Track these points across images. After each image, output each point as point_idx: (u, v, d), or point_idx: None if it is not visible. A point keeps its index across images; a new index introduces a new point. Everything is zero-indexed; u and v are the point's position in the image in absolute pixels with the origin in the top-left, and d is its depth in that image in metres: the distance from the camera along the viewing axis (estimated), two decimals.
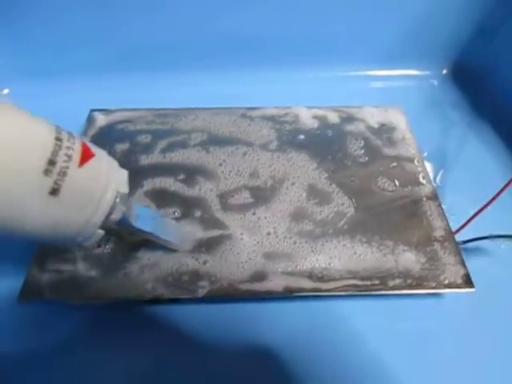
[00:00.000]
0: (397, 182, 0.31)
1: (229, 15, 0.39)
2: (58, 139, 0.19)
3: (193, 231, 0.28)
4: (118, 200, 0.21)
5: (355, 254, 0.27)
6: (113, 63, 0.39)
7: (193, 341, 0.26)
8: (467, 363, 0.26)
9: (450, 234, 0.28)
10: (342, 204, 0.30)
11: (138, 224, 0.24)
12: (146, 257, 0.26)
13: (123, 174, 0.23)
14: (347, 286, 0.26)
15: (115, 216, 0.22)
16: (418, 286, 0.26)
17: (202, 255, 0.27)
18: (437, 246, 0.28)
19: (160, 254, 0.27)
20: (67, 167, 0.18)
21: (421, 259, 0.27)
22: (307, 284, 0.26)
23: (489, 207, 0.27)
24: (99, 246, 0.27)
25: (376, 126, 0.35)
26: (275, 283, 0.26)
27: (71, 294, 0.25)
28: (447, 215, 0.29)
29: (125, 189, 0.22)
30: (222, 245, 0.27)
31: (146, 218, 0.25)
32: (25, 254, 0.27)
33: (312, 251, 0.27)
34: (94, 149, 0.21)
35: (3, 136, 0.17)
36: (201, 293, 0.25)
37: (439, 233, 0.28)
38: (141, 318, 0.27)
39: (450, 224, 0.29)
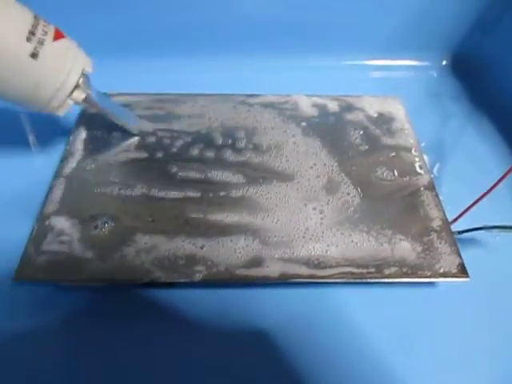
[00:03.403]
0: (395, 172, 0.31)
1: (228, 2, 0.39)
2: (36, 18, 0.24)
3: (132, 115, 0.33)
4: (84, 75, 0.27)
5: (352, 242, 0.27)
6: (111, 48, 0.39)
7: (188, 325, 0.26)
8: (460, 351, 0.26)
9: (447, 224, 0.28)
10: (348, 193, 0.30)
11: (101, 102, 0.29)
12: (142, 240, 0.26)
13: (89, 59, 0.28)
14: (343, 273, 0.26)
15: (83, 90, 0.27)
16: (414, 274, 0.26)
17: (199, 239, 0.27)
18: (433, 235, 0.28)
19: (157, 237, 0.27)
20: (44, 39, 0.24)
21: (417, 248, 0.27)
22: (304, 271, 0.26)
23: (485, 198, 0.27)
24: (96, 227, 0.27)
25: (375, 115, 0.35)
26: (272, 269, 0.26)
27: (67, 276, 0.25)
28: (444, 205, 0.29)
29: (90, 69, 0.27)
30: (220, 229, 0.27)
31: (106, 99, 0.30)
32: (21, 234, 0.27)
33: (310, 239, 0.27)
34: (66, 35, 0.26)
35: None
36: (197, 277, 0.25)
37: (436, 223, 0.28)
38: (136, 301, 0.27)
39: (447, 214, 0.29)
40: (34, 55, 0.24)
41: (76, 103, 0.28)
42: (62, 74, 0.26)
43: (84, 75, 0.27)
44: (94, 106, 0.29)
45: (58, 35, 0.25)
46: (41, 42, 0.24)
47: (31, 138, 0.35)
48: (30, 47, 0.24)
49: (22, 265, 0.25)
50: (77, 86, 0.27)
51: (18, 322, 0.26)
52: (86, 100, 0.28)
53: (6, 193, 0.30)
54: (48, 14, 0.26)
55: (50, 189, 0.29)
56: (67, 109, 0.28)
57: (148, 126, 0.33)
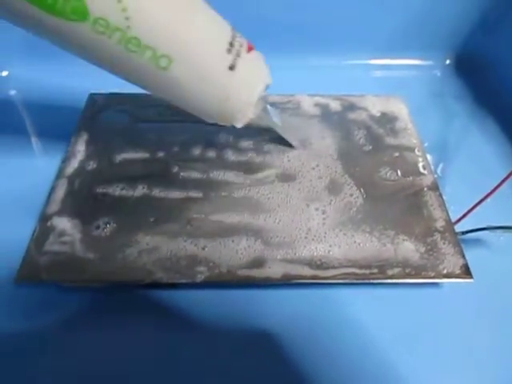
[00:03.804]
0: (399, 172, 0.31)
1: (230, 2, 0.38)
2: (233, 30, 0.24)
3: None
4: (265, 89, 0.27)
5: (355, 242, 0.27)
6: None
7: (190, 326, 0.26)
8: (464, 352, 0.26)
9: (450, 224, 0.28)
10: (351, 195, 0.30)
11: (271, 117, 0.29)
12: (144, 241, 0.26)
13: (269, 71, 0.27)
14: (346, 274, 0.26)
15: (262, 102, 0.27)
16: (417, 275, 0.26)
17: (201, 240, 0.27)
18: (437, 236, 0.28)
19: (159, 238, 0.27)
20: (241, 51, 0.24)
21: (420, 249, 0.27)
22: (306, 271, 0.26)
23: (489, 198, 0.27)
24: (97, 228, 0.27)
25: (378, 115, 0.35)
26: (274, 270, 0.26)
27: (69, 276, 0.25)
28: (447, 206, 0.29)
29: (270, 81, 0.26)
30: (222, 229, 0.27)
31: (273, 112, 0.30)
32: (22, 235, 0.27)
33: (312, 239, 0.27)
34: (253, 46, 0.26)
35: (200, 20, 0.23)
36: (199, 278, 0.25)
37: (439, 223, 0.28)
38: (138, 301, 0.27)
39: (450, 215, 0.29)
40: (232, 67, 0.23)
41: (256, 116, 0.27)
42: (252, 87, 0.25)
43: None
44: (266, 118, 0.29)
45: (250, 47, 0.25)
46: (238, 54, 0.23)
47: (33, 139, 0.35)
48: (229, 59, 0.23)
49: (24, 265, 0.25)
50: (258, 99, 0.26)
51: (19, 322, 0.26)
52: (261, 113, 0.28)
53: (8, 193, 0.30)
54: None
55: (52, 189, 0.29)
56: (246, 121, 0.27)
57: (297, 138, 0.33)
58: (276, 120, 0.30)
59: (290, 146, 0.32)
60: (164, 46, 0.21)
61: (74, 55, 0.22)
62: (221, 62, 0.23)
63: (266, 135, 0.33)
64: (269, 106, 0.29)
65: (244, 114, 0.26)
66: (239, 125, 0.27)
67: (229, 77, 0.23)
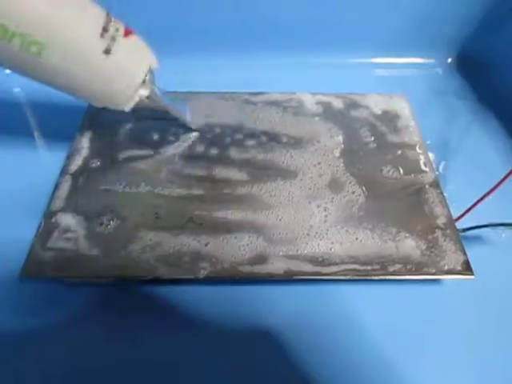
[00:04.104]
0: (401, 170, 0.31)
1: (233, 1, 0.39)
2: (108, 15, 0.24)
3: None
4: (150, 73, 0.27)
5: (357, 239, 0.27)
6: None
7: (192, 322, 0.26)
8: (465, 349, 0.26)
9: (451, 221, 0.28)
10: (353, 192, 0.30)
11: (162, 97, 0.29)
12: (147, 237, 0.27)
13: (153, 55, 0.27)
14: (348, 270, 0.26)
15: (147, 86, 0.27)
16: (418, 271, 0.26)
17: (204, 236, 0.27)
18: (438, 233, 0.28)
19: (162, 234, 0.27)
20: (116, 35, 0.24)
21: (421, 246, 0.27)
22: (308, 268, 0.26)
23: (490, 196, 0.27)
24: (101, 224, 0.27)
25: (380, 113, 0.35)
26: (276, 266, 0.26)
27: (72, 272, 0.25)
28: (449, 203, 0.29)
29: (155, 65, 0.27)
30: (224, 226, 0.27)
31: (166, 95, 0.30)
32: (27, 231, 0.27)
33: (314, 236, 0.27)
34: (134, 32, 0.26)
35: (72, 6, 0.23)
36: (202, 274, 0.25)
37: (441, 220, 0.28)
38: (141, 297, 0.27)
39: (452, 212, 0.29)
40: (107, 51, 0.24)
41: (140, 98, 0.28)
42: (132, 69, 0.26)
43: (149, 71, 0.27)
44: (156, 101, 0.29)
45: (127, 32, 0.25)
46: (113, 39, 0.24)
47: (37, 136, 0.35)
48: (103, 43, 0.24)
49: (29, 261, 0.25)
50: (143, 82, 0.27)
51: (24, 317, 0.26)
52: (149, 96, 0.28)
53: (13, 190, 0.31)
54: None
55: (56, 186, 0.29)
56: (132, 104, 0.28)
57: (202, 121, 0.34)
58: (168, 102, 0.30)
59: (189, 128, 0.33)
60: (33, 32, 0.21)
61: None
62: (95, 47, 0.23)
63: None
64: (158, 89, 0.29)
65: (129, 96, 0.27)
66: (127, 108, 0.27)
67: (104, 60, 0.24)
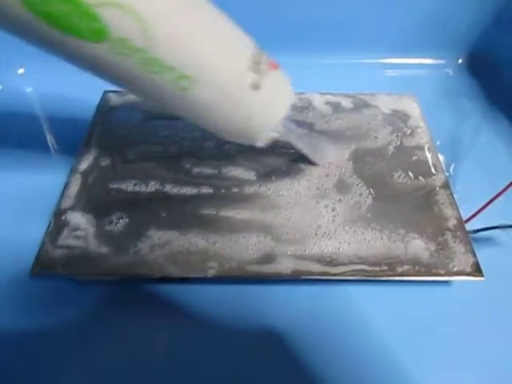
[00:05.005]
0: (410, 171, 0.31)
1: (241, 1, 0.39)
2: (256, 47, 0.23)
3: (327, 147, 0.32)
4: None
5: (365, 240, 0.27)
6: None
7: (200, 320, 0.26)
8: (474, 351, 0.26)
9: (461, 223, 0.28)
10: (360, 194, 0.30)
11: (295, 136, 0.28)
12: (156, 236, 0.27)
13: (293, 90, 0.26)
14: (356, 270, 0.26)
15: (287, 122, 0.26)
16: (427, 272, 0.26)
17: (212, 235, 0.27)
18: (448, 235, 0.27)
19: (170, 233, 0.27)
20: (265, 69, 0.22)
21: (430, 247, 0.27)
22: (316, 268, 0.26)
23: (500, 197, 0.26)
24: (110, 223, 0.27)
25: (389, 113, 0.35)
26: (284, 266, 0.26)
27: (82, 270, 0.26)
28: (459, 204, 0.29)
29: (295, 99, 0.27)
30: (232, 225, 0.28)
31: (297, 129, 0.29)
32: (37, 229, 0.27)
33: (322, 236, 0.27)
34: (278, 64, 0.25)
35: (222, 39, 0.22)
36: (210, 273, 0.25)
37: (450, 222, 0.28)
38: (149, 296, 0.27)
39: (462, 213, 0.29)
40: (255, 86, 0.22)
41: (277, 135, 0.26)
42: (276, 107, 0.24)
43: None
44: (288, 137, 0.27)
45: (274, 65, 0.24)
46: (262, 73, 0.22)
47: (48, 135, 0.36)
48: (252, 78, 0.22)
49: (39, 259, 0.26)
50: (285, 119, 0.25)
51: (34, 314, 0.26)
52: (284, 133, 0.26)
53: (23, 188, 0.31)
54: None
55: (66, 184, 0.29)
56: (268, 141, 0.26)
57: (335, 155, 0.32)
58: (298, 139, 0.29)
59: (313, 164, 0.31)
60: (185, 66, 0.20)
61: (89, 73, 0.22)
62: (244, 82, 0.22)
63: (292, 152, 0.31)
64: (293, 125, 0.28)
65: (266, 134, 0.25)
66: (260, 144, 0.26)
67: (252, 97, 0.23)
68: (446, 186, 0.30)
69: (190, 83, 0.21)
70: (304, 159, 0.31)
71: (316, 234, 0.27)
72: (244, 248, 0.26)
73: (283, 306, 0.27)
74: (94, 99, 0.35)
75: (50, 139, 0.35)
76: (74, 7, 0.17)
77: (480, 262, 0.26)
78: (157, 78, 0.20)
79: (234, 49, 0.22)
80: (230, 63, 0.22)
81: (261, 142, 0.26)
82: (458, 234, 0.27)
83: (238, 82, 0.22)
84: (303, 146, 0.29)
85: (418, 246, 0.27)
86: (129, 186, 0.29)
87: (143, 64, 0.20)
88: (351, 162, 0.31)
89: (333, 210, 0.29)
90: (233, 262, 0.26)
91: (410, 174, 0.31)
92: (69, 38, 0.18)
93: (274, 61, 0.24)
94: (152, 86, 0.21)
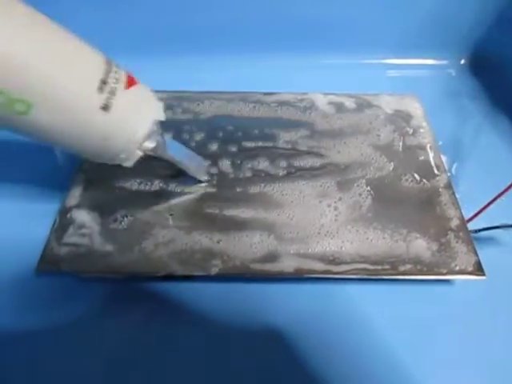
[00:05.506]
0: (412, 171, 0.31)
1: (246, 1, 0.39)
2: (108, 63, 0.21)
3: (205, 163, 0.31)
4: (155, 125, 0.24)
5: (367, 239, 0.27)
6: (131, 45, 0.40)
7: (203, 318, 0.26)
8: (476, 350, 0.26)
9: (464, 223, 0.28)
10: (361, 193, 0.30)
11: (170, 150, 0.26)
12: (160, 234, 0.27)
13: (160, 105, 0.25)
14: (358, 269, 0.26)
15: (153, 138, 0.24)
16: (429, 271, 0.26)
17: (216, 234, 0.27)
18: (450, 235, 0.28)
19: (174, 231, 0.27)
20: (116, 88, 0.21)
21: (432, 246, 0.27)
22: (319, 266, 0.26)
23: (502, 197, 0.26)
24: (115, 221, 0.27)
25: (392, 114, 0.35)
26: (287, 264, 0.26)
27: (86, 267, 0.26)
28: (461, 204, 0.29)
29: (161, 117, 0.24)
30: (236, 224, 0.28)
31: (173, 146, 0.28)
32: (43, 227, 0.28)
33: (325, 235, 0.27)
34: (138, 81, 0.23)
35: (65, 59, 0.20)
36: (213, 271, 0.26)
37: (453, 223, 0.28)
38: (154, 293, 0.27)
39: (464, 213, 0.29)
40: (105, 107, 0.21)
41: (145, 152, 0.25)
42: (134, 125, 0.23)
43: (155, 123, 0.24)
44: (162, 154, 0.26)
45: (130, 82, 0.22)
46: (112, 92, 0.21)
47: None
48: (101, 99, 0.21)
49: (44, 257, 0.26)
50: (147, 136, 0.24)
51: (39, 311, 0.26)
52: (154, 148, 0.25)
53: (29, 186, 0.31)
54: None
55: (72, 183, 0.30)
56: (135, 159, 0.25)
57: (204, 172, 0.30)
58: (175, 154, 0.27)
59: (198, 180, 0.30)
60: (18, 89, 0.18)
61: None
62: (91, 103, 0.20)
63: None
64: (167, 140, 0.26)
65: (130, 153, 0.24)
66: (128, 164, 0.25)
67: (102, 118, 0.21)
68: (449, 185, 0.30)
69: (27, 107, 0.19)
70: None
71: (319, 233, 0.27)
72: (247, 246, 0.27)
73: (286, 305, 0.27)
74: None
75: None
76: None
77: (482, 262, 0.26)
78: None
79: (79, 68, 0.20)
80: (73, 86, 0.20)
81: (127, 162, 0.25)
82: (461, 234, 0.28)
83: (85, 105, 0.20)
84: (182, 162, 0.28)
85: (420, 246, 0.27)
86: (133, 185, 0.30)
87: None
88: (352, 160, 0.32)
89: (335, 209, 0.29)
90: (236, 261, 0.26)
91: (413, 174, 0.31)
92: None
93: (130, 76, 0.22)
94: None
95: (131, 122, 0.23)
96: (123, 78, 0.22)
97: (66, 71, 0.20)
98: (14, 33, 0.18)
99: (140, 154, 0.24)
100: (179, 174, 0.30)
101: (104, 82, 0.20)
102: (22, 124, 0.20)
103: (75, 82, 0.20)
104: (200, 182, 0.30)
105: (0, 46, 0.17)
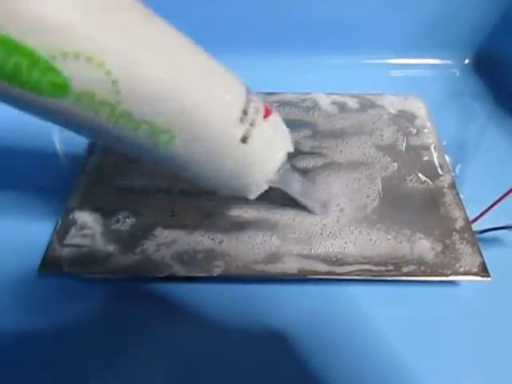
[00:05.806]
0: (417, 171, 0.31)
1: (248, 1, 0.39)
2: (248, 92, 0.20)
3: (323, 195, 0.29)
4: (286, 157, 0.23)
5: (371, 240, 0.27)
6: None
7: (205, 319, 0.26)
8: (480, 351, 0.25)
9: (468, 224, 0.28)
10: (368, 194, 0.30)
11: (292, 185, 0.25)
12: (162, 235, 0.27)
13: (289, 135, 0.23)
14: (361, 270, 0.26)
15: (282, 171, 0.23)
16: (433, 273, 0.26)
17: (218, 235, 0.27)
18: (455, 236, 0.27)
19: (177, 232, 0.27)
20: (255, 118, 0.20)
21: (437, 248, 0.27)
22: (322, 267, 0.26)
23: (507, 198, 0.26)
24: (117, 221, 0.27)
25: (395, 114, 0.35)
26: (289, 265, 0.26)
27: (89, 268, 0.26)
28: (465, 205, 0.29)
29: (291, 148, 0.23)
30: (238, 224, 0.28)
31: (293, 179, 0.26)
32: (45, 228, 0.28)
33: (328, 236, 0.27)
34: (273, 110, 0.22)
35: (211, 87, 0.19)
36: (216, 272, 0.26)
37: (458, 224, 0.28)
38: (156, 294, 0.27)
39: (468, 213, 0.28)
40: (244, 139, 0.20)
41: (271, 185, 0.24)
42: (269, 157, 0.22)
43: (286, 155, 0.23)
44: (286, 187, 0.25)
45: (267, 112, 0.21)
46: (252, 124, 0.20)
47: (55, 135, 0.36)
48: (241, 130, 0.20)
49: (47, 257, 0.26)
50: (279, 169, 0.23)
51: (41, 312, 0.26)
52: (281, 182, 0.24)
53: (31, 187, 0.31)
54: None
55: (74, 183, 0.30)
56: (260, 192, 0.23)
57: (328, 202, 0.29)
58: (295, 187, 0.26)
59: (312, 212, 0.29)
60: (163, 120, 0.18)
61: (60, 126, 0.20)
62: (232, 135, 0.20)
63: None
64: (290, 173, 0.25)
65: (259, 186, 0.23)
66: (252, 196, 0.24)
67: (241, 150, 0.20)
68: (453, 186, 0.30)
69: (171, 138, 0.18)
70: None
71: (321, 234, 0.27)
72: (250, 247, 0.27)
73: (288, 306, 0.27)
74: None
75: (57, 138, 0.36)
76: (30, 60, 0.15)
77: (486, 262, 0.26)
78: (130, 133, 0.18)
79: (222, 99, 0.19)
80: (216, 116, 0.19)
81: (252, 195, 0.23)
82: (465, 235, 0.27)
83: (226, 137, 0.20)
84: (301, 196, 0.27)
85: (424, 247, 0.27)
86: (135, 185, 0.29)
87: (113, 119, 0.17)
88: (356, 161, 0.31)
89: (339, 210, 0.29)
90: (239, 261, 0.26)
91: (417, 175, 0.31)
92: (25, 93, 0.16)
93: (266, 105, 0.22)
94: (126, 141, 0.19)
95: (267, 153, 0.22)
96: (261, 108, 0.21)
97: (208, 102, 0.19)
98: (159, 62, 0.17)
99: (266, 187, 0.23)
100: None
101: (245, 113, 0.20)
102: (162, 155, 0.20)
103: (217, 113, 0.19)
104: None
105: (143, 77, 0.17)
